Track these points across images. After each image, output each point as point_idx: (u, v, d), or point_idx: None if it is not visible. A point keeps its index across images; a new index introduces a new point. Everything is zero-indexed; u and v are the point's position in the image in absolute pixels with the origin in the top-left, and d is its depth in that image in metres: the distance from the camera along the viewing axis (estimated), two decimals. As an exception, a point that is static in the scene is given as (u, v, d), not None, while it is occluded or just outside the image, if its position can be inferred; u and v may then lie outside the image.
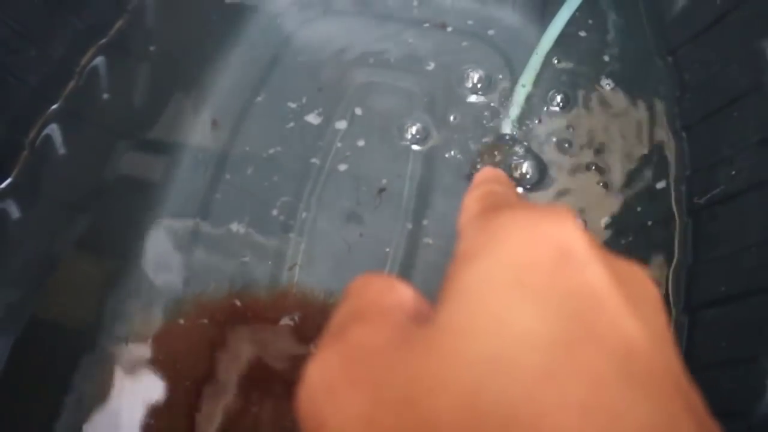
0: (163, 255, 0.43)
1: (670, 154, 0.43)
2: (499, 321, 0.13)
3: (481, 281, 0.14)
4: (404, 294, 0.17)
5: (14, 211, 0.43)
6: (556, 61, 0.48)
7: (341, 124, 0.47)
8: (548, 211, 0.15)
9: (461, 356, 0.12)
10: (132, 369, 0.40)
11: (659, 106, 0.45)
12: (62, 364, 0.40)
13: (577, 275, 0.14)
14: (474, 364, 0.12)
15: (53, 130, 0.45)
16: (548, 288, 0.13)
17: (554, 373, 0.12)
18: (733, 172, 0.37)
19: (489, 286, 0.13)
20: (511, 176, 0.43)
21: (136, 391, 0.39)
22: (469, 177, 0.44)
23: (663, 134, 0.44)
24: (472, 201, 0.21)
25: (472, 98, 0.47)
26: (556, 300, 0.13)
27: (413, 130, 0.46)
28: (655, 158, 0.43)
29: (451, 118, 0.46)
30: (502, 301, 0.13)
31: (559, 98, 0.46)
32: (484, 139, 0.45)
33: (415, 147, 0.46)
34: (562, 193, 0.43)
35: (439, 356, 0.13)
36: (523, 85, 0.46)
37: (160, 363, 0.40)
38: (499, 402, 0.12)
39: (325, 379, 0.14)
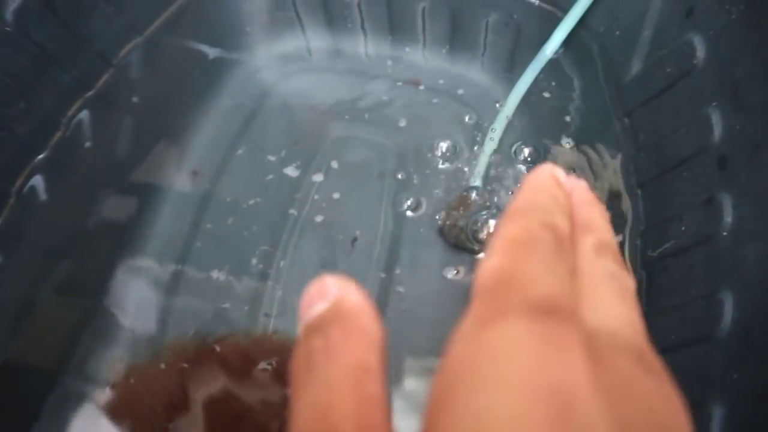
0: (143, 300, 0.44)
1: (627, 209, 0.46)
2: None
3: None
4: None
5: (-3, 257, 0.44)
6: (520, 120, 0.51)
7: (318, 177, 0.49)
8: (555, 341, 0.13)
9: None
10: (108, 412, 0.40)
11: (617, 165, 0.48)
12: (35, 407, 0.40)
13: None
14: None
15: (39, 179, 0.46)
16: None
17: None
18: (683, 228, 0.40)
19: None
20: (476, 238, 0.45)
21: (112, 434, 0.40)
22: (440, 230, 0.46)
23: (620, 191, 0.47)
24: (498, 245, 0.17)
25: (442, 153, 0.50)
26: None
27: (387, 182, 0.48)
28: (613, 213, 0.46)
29: (423, 171, 0.49)
30: None
31: (523, 155, 0.49)
32: (455, 193, 0.48)
33: (387, 199, 0.48)
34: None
35: None
36: (491, 139, 0.48)
37: (137, 406, 0.41)
38: None
39: None
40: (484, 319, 0.14)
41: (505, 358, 0.13)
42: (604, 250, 0.18)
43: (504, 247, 0.16)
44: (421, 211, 0.47)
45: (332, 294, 0.16)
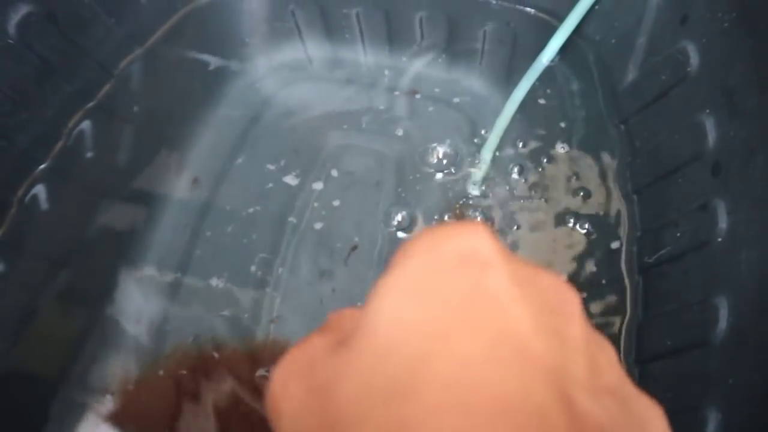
0: (142, 308, 0.45)
1: (623, 216, 0.46)
2: (392, 320, 0.16)
3: (386, 290, 0.16)
4: None
5: (-1, 266, 0.45)
6: (516, 126, 0.51)
7: (318, 185, 0.49)
8: (460, 224, 0.17)
9: (362, 350, 0.16)
10: (107, 420, 0.41)
11: (613, 171, 0.48)
12: (37, 415, 0.41)
13: (475, 277, 0.16)
14: (370, 354, 0.15)
15: (40, 188, 0.47)
16: (442, 290, 0.16)
17: (430, 356, 0.14)
18: (678, 234, 0.40)
19: (390, 293, 0.16)
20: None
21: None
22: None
23: (617, 197, 0.47)
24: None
25: (439, 161, 0.50)
26: (448, 299, 0.15)
27: (384, 191, 0.49)
28: (609, 220, 0.46)
29: (419, 180, 0.49)
30: (397, 305, 0.16)
31: (519, 162, 0.49)
32: (452, 202, 0.48)
33: (386, 208, 0.48)
34: (522, 253, 0.46)
35: (348, 351, 0.16)
36: (488, 148, 0.49)
37: (136, 414, 0.41)
38: (385, 381, 0.15)
39: (283, 376, 0.18)
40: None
41: (421, 240, 0.17)
42: None
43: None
44: (418, 219, 0.48)
45: None
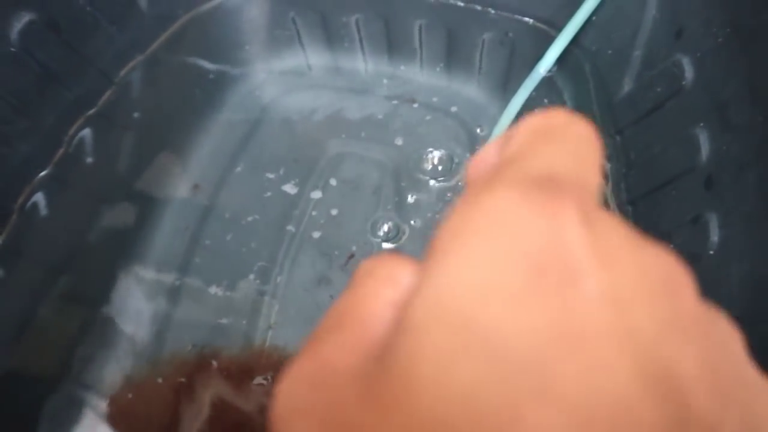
0: (142, 315, 0.45)
1: (618, 226, 0.46)
2: (439, 377, 0.11)
3: (429, 315, 0.11)
4: (401, 284, 0.14)
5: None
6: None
7: (316, 194, 0.50)
8: (546, 201, 0.12)
9: (398, 411, 0.11)
10: (105, 426, 0.41)
11: (608, 182, 0.48)
12: (36, 419, 0.41)
13: (560, 301, 0.11)
14: (415, 422, 0.11)
15: (41, 195, 0.47)
16: (507, 332, 0.10)
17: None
18: (671, 246, 0.40)
19: (435, 324, 0.11)
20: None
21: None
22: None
23: (612, 208, 0.47)
24: (491, 145, 0.16)
25: (437, 169, 0.50)
26: (518, 351, 0.10)
27: (383, 199, 0.49)
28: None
29: (419, 187, 0.50)
30: (444, 351, 0.11)
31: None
32: (449, 208, 0.49)
33: (384, 214, 0.49)
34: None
35: (381, 405, 0.11)
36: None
37: (133, 420, 0.41)
38: None
39: (290, 399, 0.14)
40: (479, 194, 0.12)
41: (489, 226, 0.12)
42: None
43: (501, 143, 0.15)
44: (417, 227, 0.48)
45: None
